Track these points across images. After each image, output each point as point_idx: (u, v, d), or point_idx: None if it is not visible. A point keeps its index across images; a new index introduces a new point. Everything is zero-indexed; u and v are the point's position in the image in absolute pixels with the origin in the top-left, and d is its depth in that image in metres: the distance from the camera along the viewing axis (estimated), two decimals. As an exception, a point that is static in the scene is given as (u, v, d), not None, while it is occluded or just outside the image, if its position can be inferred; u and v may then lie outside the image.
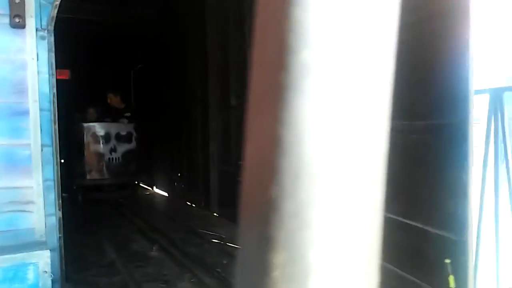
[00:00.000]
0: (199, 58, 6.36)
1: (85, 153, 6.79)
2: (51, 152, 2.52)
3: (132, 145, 7.24)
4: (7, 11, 2.37)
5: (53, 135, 2.52)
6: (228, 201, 5.40)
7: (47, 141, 2.49)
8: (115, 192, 7.01)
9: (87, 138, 6.84)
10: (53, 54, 2.53)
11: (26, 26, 2.40)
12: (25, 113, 2.41)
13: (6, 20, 2.37)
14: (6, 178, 2.39)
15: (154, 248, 4.03)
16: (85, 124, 6.98)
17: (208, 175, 5.99)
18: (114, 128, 7.15)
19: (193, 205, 6.52)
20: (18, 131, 2.40)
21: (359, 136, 0.25)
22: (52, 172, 2.53)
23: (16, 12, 2.38)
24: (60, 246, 2.58)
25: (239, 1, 5.01)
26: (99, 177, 6.90)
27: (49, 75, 2.50)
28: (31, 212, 2.48)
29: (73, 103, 7.06)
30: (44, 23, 2.48)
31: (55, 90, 2.53)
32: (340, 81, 0.24)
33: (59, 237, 2.59)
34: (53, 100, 2.53)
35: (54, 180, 2.55)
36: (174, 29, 7.50)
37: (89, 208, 6.39)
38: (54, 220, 2.55)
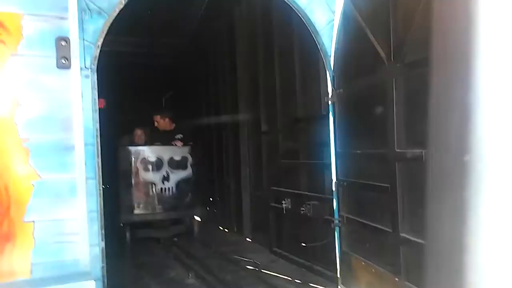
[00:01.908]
0: (229, 85, 6.51)
1: (133, 182, 5.67)
2: (94, 184, 2.64)
3: (188, 172, 5.99)
4: (54, 53, 2.53)
5: (97, 168, 2.65)
6: (261, 226, 5.41)
7: (91, 174, 2.61)
8: (168, 229, 5.94)
9: (135, 165, 5.68)
10: (96, 91, 2.68)
11: (72, 67, 2.56)
12: (71, 148, 2.54)
13: (53, 61, 2.53)
14: (53, 210, 2.51)
15: (190, 275, 4.07)
16: (133, 148, 5.86)
17: (240, 200, 6.04)
18: (166, 152, 5.91)
19: (226, 230, 6.55)
20: (65, 165, 2.52)
21: None
22: (95, 203, 2.64)
23: (63, 54, 2.54)
24: (103, 275, 2.67)
25: (267, 28, 5.14)
26: (150, 212, 5.71)
27: (92, 111, 2.64)
28: (76, 242, 2.58)
29: (116, 129, 6.48)
30: (88, 62, 2.64)
31: (98, 125, 2.67)
32: None
33: (102, 266, 2.68)
34: (96, 135, 2.66)
35: (97, 211, 2.66)
36: (204, 57, 7.73)
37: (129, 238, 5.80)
38: (97, 250, 2.65)
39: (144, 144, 6.17)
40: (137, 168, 5.68)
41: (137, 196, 5.67)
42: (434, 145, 0.55)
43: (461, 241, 0.51)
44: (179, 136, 6.16)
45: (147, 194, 5.71)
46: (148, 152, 5.83)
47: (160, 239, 5.69)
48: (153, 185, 5.74)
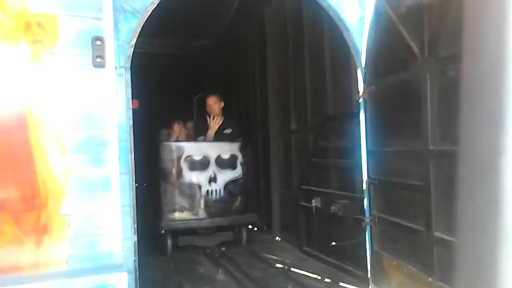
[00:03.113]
0: (259, 84, 6.53)
1: (176, 184, 4.93)
2: (127, 179, 2.70)
3: (237, 173, 5.18)
4: (90, 53, 2.62)
5: (130, 164, 2.71)
6: (290, 225, 5.39)
7: (125, 169, 2.68)
8: (213, 236, 5.23)
9: (178, 164, 4.92)
10: (129, 90, 2.75)
11: (106, 66, 2.64)
12: (106, 144, 2.62)
13: (89, 60, 2.62)
14: (88, 204, 2.59)
15: (220, 271, 4.11)
16: (174, 144, 5.10)
17: (270, 199, 6.05)
18: (213, 149, 5.08)
19: (255, 229, 6.57)
20: (100, 160, 2.60)
21: None
22: (128, 198, 2.71)
23: (98, 53, 2.62)
24: (135, 268, 2.73)
25: (298, 27, 5.12)
26: (194, 217, 4.95)
27: (126, 108, 2.71)
28: (109, 236, 2.66)
29: (151, 128, 6.25)
30: (122, 62, 2.71)
31: (131, 122, 2.74)
32: None
33: (135, 259, 2.74)
34: (130, 132, 2.73)
35: (130, 206, 2.73)
36: (234, 57, 7.78)
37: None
38: (130, 244, 2.71)
39: (187, 140, 5.47)
40: (180, 167, 4.92)
41: (180, 199, 4.93)
42: (465, 143, 0.54)
43: (493, 238, 0.50)
44: (228, 130, 5.40)
45: (191, 197, 4.96)
46: (193, 149, 5.02)
47: (206, 249, 5.07)
48: (199, 187, 4.97)
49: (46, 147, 2.51)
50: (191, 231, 5.06)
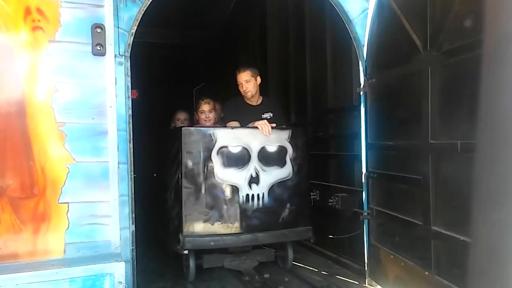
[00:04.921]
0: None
1: (203, 186, 3.50)
2: (126, 169, 2.70)
3: (287, 171, 3.72)
4: (89, 41, 2.60)
5: (128, 153, 2.71)
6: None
7: (123, 159, 2.67)
8: (249, 255, 3.83)
9: (204, 158, 3.50)
10: (129, 78, 2.73)
11: (106, 54, 2.62)
12: (105, 133, 2.61)
13: (89, 48, 2.60)
14: (87, 193, 2.59)
15: (217, 263, 4.09)
16: (202, 131, 3.60)
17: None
18: (255, 138, 3.62)
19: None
20: (99, 149, 2.60)
21: None
22: (127, 188, 2.70)
23: (98, 41, 2.60)
24: (133, 258, 2.74)
25: (300, 19, 5.09)
26: (228, 232, 3.54)
27: (125, 97, 2.70)
28: (107, 225, 2.66)
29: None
30: (121, 50, 2.69)
31: (130, 112, 2.73)
32: None
33: (132, 249, 2.75)
34: (129, 121, 2.72)
35: (128, 196, 2.72)
36: (235, 49, 7.74)
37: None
38: (128, 233, 2.71)
39: (220, 126, 3.92)
40: (210, 162, 3.50)
41: (210, 207, 3.50)
42: (487, 105, 0.53)
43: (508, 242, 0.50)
44: (268, 115, 3.92)
45: (224, 204, 3.54)
46: (229, 138, 3.57)
47: (243, 275, 3.70)
48: (235, 191, 3.55)
49: (45, 135, 2.51)
50: (219, 249, 3.70)
